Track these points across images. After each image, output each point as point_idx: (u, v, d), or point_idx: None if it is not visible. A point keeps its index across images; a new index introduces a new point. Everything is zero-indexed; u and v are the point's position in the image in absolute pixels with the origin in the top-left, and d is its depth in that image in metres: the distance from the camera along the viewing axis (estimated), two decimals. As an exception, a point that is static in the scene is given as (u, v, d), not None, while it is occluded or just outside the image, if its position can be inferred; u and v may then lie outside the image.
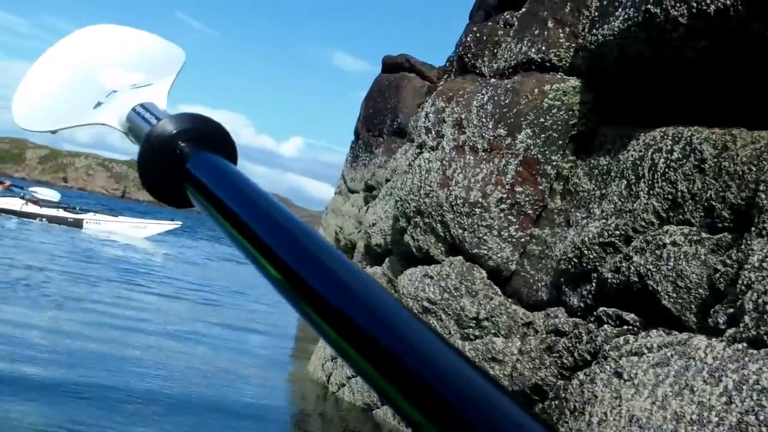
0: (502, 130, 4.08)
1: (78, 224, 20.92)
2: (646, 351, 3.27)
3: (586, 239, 3.65)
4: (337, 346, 0.43)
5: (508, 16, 4.81)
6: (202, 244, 27.69)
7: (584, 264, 3.70)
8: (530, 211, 4.16)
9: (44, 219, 20.57)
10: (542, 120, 4.02)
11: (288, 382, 7.13)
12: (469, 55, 4.98)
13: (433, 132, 4.52)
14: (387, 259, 5.35)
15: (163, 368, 6.51)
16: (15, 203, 20.87)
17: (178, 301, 11.92)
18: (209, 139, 0.69)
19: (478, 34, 4.95)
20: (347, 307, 0.43)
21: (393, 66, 12.48)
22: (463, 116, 4.26)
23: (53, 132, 0.98)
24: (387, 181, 6.25)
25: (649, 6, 3.66)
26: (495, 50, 4.77)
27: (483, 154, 4.15)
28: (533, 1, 4.44)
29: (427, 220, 4.48)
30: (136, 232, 21.64)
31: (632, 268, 3.47)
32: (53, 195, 21.92)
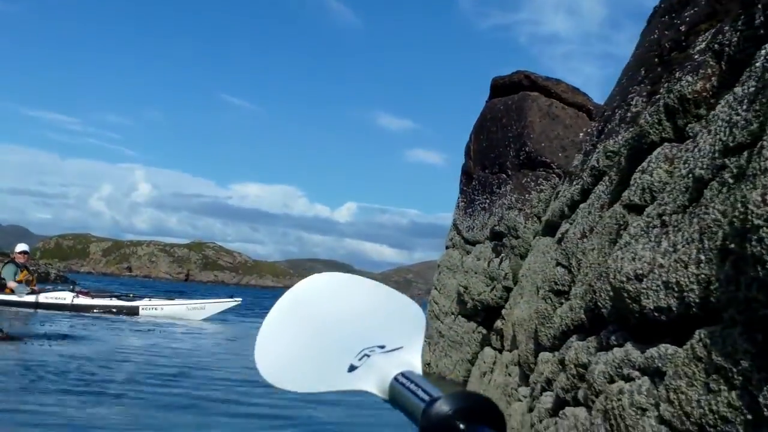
0: None
1: (134, 311, 19.63)
2: None
3: None
4: None
5: None
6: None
7: None
8: None
9: (98, 310, 19.38)
10: None
11: None
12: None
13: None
14: (702, 331, 3.11)
15: None
16: (66, 296, 19.82)
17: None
18: (481, 414, 0.73)
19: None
20: None
21: (507, 87, 10.40)
22: None
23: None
24: (644, 204, 4.02)
25: None
26: None
27: None
28: None
29: None
30: (195, 313, 20.20)
31: None
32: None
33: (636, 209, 4.03)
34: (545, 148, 9.49)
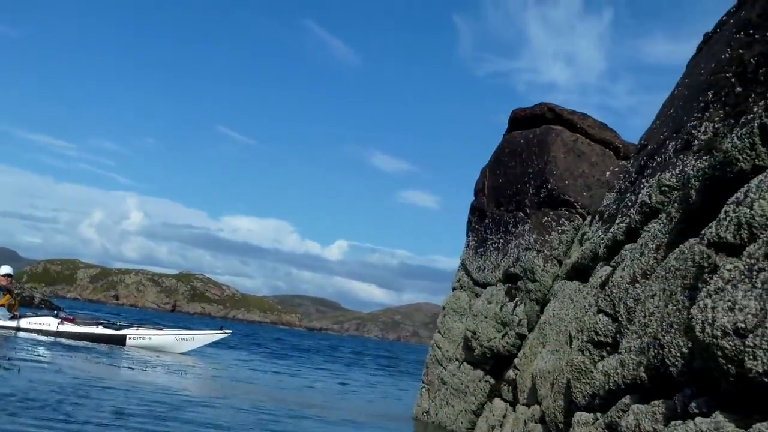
0: None
1: (120, 340, 18.77)
2: None
3: None
4: None
5: None
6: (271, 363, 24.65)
7: None
8: None
9: (83, 338, 18.50)
10: None
11: None
12: None
13: None
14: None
15: None
16: (50, 323, 18.92)
17: None
18: None
19: None
20: None
21: (528, 119, 9.77)
22: None
23: None
24: (740, 243, 3.31)
25: None
26: None
27: None
28: None
29: None
30: (183, 344, 19.33)
31: None
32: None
33: (728, 249, 3.32)
34: (569, 186, 8.83)
